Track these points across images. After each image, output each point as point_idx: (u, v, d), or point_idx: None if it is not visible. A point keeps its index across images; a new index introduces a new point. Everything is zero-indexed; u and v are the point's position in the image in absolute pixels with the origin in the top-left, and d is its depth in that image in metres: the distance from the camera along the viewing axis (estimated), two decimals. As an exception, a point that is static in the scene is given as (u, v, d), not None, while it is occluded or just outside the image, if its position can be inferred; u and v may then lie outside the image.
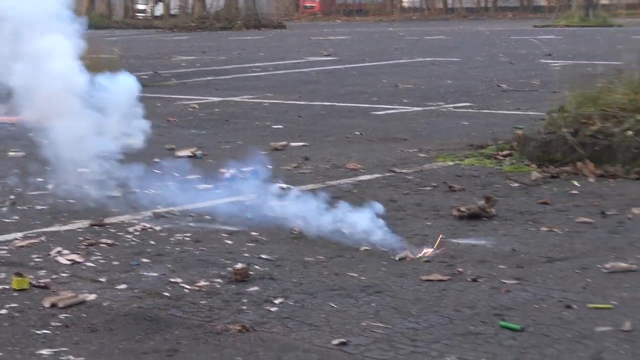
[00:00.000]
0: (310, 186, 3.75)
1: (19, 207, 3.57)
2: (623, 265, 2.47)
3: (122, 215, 3.28)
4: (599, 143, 3.84)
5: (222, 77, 9.39)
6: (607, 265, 2.45)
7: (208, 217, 3.30)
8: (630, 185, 3.60)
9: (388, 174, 3.95)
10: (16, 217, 3.38)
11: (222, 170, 4.00)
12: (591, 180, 3.67)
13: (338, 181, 3.88)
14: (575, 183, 3.62)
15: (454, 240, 2.89)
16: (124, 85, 3.50)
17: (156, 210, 3.32)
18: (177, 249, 2.86)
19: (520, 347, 1.83)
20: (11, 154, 4.78)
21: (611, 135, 3.83)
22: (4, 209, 3.57)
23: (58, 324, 2.13)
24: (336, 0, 27.24)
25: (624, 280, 2.33)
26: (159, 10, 32.28)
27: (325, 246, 2.83)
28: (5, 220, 3.38)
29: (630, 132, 3.74)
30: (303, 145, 4.81)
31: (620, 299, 2.15)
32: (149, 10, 33.15)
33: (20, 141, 4.82)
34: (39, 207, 3.54)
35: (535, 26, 18.20)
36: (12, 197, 3.78)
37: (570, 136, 3.90)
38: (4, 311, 2.24)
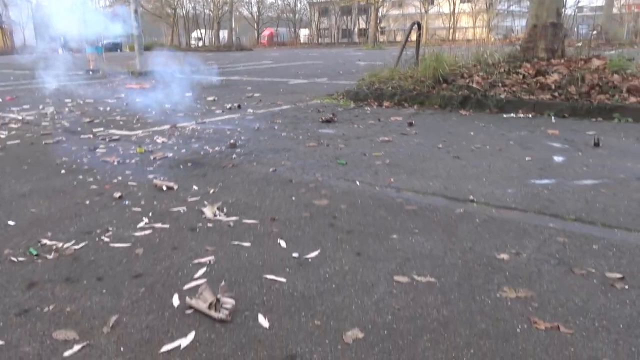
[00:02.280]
0: (262, 110, 6.78)
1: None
2: (386, 138, 5.05)
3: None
4: (379, 92, 7.13)
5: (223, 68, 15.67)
6: (379, 139, 5.04)
7: (213, 125, 5.91)
8: (391, 109, 6.77)
9: (293, 106, 7.15)
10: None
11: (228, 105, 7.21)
12: (374, 107, 6.91)
13: (274, 108, 6.91)
14: (367, 109, 6.83)
15: (319, 130, 5.49)
16: None
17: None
18: (207, 136, 5.24)
19: (346, 170, 3.99)
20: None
21: (382, 89, 7.21)
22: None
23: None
24: (274, 39, 56.70)
25: (386, 145, 4.82)
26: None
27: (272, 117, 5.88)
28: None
29: (390, 88, 7.25)
30: (260, 95, 8.67)
31: (386, 152, 4.53)
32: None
33: None
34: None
35: (354, 48, 35.58)
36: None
37: (366, 89, 7.73)
38: None
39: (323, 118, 6.22)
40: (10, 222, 2.97)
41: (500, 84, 7.10)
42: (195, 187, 3.51)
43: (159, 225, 2.90)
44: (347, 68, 15.75)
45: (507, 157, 4.41)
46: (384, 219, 2.93)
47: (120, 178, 3.89)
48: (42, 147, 5.06)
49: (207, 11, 55.17)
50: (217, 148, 4.75)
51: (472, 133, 5.46)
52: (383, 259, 2.43)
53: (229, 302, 2.00)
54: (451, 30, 48.92)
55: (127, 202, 3.30)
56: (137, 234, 2.77)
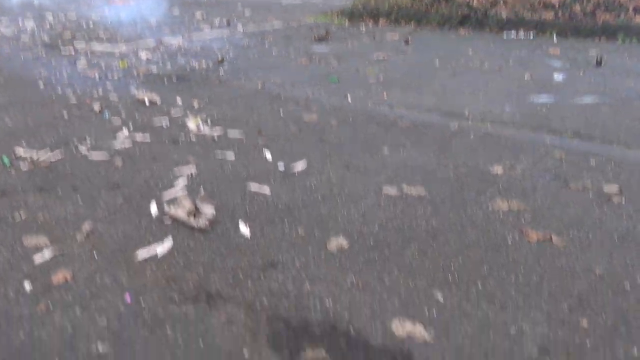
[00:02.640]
0: (253, 28, 6.50)
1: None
2: (381, 56, 4.91)
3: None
4: (375, 10, 6.90)
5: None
6: (374, 57, 4.90)
7: (201, 42, 5.54)
8: (387, 27, 6.53)
9: (285, 24, 6.81)
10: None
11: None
12: (370, 26, 6.68)
13: (265, 26, 6.62)
14: (363, 27, 6.59)
15: (311, 48, 5.35)
16: None
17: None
18: (194, 52, 5.02)
19: (338, 87, 3.85)
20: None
21: (379, 7, 7.15)
22: None
23: None
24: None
25: (381, 63, 4.67)
26: None
27: (251, 35, 5.75)
28: None
29: (387, 6, 7.29)
30: (251, 13, 8.12)
31: (381, 70, 4.37)
32: None
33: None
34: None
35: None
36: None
37: (362, 7, 7.73)
38: None
39: (316, 36, 6.07)
40: (-16, 133, 2.83)
41: (501, 2, 6.79)
42: (179, 102, 3.38)
43: (139, 137, 2.77)
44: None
45: (506, 75, 4.24)
46: (376, 135, 2.81)
47: (101, 92, 3.72)
48: (21, 62, 4.84)
49: None
50: (203, 64, 4.63)
51: (470, 52, 5.26)
52: (372, 171, 2.33)
53: (209, 211, 1.90)
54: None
55: (107, 116, 3.15)
56: (117, 146, 2.65)
